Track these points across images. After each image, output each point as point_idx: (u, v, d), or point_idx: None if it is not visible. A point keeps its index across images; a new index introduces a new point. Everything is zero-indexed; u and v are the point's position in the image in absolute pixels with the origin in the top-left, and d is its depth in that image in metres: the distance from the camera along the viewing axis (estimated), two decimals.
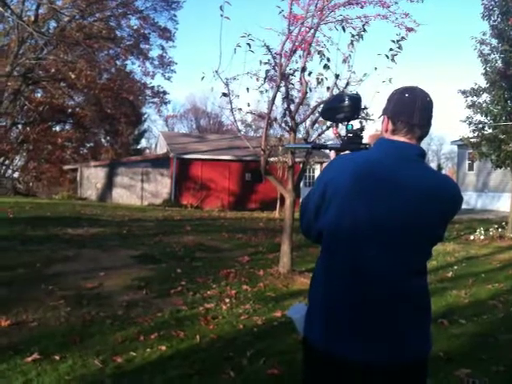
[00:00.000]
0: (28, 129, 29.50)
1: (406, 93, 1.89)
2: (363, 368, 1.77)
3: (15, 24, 20.24)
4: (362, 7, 7.56)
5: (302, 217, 2.03)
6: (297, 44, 7.44)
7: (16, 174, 32.53)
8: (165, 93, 31.02)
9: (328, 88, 7.60)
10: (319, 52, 7.44)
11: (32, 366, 3.80)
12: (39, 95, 29.70)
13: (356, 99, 2.16)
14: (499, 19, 13.23)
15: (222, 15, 6.94)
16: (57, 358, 3.96)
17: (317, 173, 24.63)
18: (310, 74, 7.63)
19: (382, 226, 1.77)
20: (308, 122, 8.28)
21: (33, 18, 22.25)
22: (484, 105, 13.77)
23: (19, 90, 24.56)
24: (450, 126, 73.20)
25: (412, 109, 1.85)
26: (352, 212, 1.79)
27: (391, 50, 7.18)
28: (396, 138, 1.88)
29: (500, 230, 13.22)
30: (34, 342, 4.31)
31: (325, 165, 2.00)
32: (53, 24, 25.36)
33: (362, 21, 7.38)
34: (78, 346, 4.29)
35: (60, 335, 4.55)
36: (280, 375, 3.82)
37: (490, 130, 13.79)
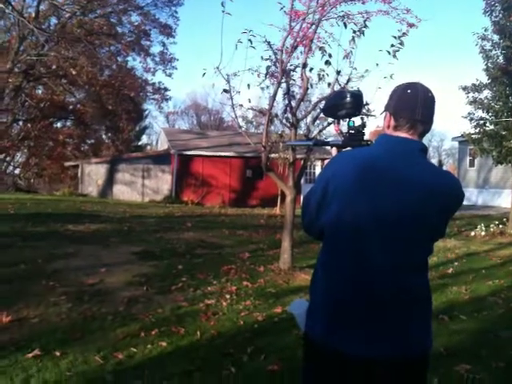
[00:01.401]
0: (29, 125, 29.45)
1: (408, 89, 1.88)
2: (365, 363, 1.78)
3: (16, 21, 20.23)
4: (363, 3, 7.57)
5: (303, 213, 2.03)
6: (298, 40, 7.43)
7: (17, 171, 32.53)
8: (166, 89, 31.06)
9: (329, 84, 7.59)
10: (320, 48, 7.42)
11: (33, 361, 3.81)
12: (40, 92, 29.70)
13: (358, 96, 2.15)
14: (501, 15, 13.21)
15: (223, 11, 6.92)
16: (58, 354, 3.96)
17: (318, 169, 24.61)
18: (311, 70, 7.63)
19: (384, 221, 1.77)
20: (309, 119, 8.29)
21: (34, 15, 22.21)
22: (485, 101, 13.76)
23: (20, 86, 24.54)
24: (451, 122, 73.20)
25: (414, 105, 1.84)
26: (354, 208, 1.79)
27: (393, 45, 7.16)
28: (398, 133, 1.88)
29: (501, 226, 13.21)
30: (34, 338, 4.31)
31: (326, 161, 2.00)
32: (54, 20, 25.37)
33: (363, 16, 7.36)
34: (78, 342, 4.29)
35: (61, 331, 4.55)
36: (280, 371, 3.82)
37: (492, 126, 13.77)
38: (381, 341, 1.76)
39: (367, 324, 1.77)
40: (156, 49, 36.29)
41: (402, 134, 1.87)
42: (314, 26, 7.39)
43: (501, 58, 13.43)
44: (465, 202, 1.98)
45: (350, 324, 1.78)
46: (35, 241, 8.97)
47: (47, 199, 19.98)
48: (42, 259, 7.43)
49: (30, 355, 3.89)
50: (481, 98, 13.90)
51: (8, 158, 30.75)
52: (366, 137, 2.19)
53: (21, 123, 30.17)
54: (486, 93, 13.89)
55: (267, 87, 7.90)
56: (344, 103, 2.13)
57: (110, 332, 4.60)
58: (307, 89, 7.63)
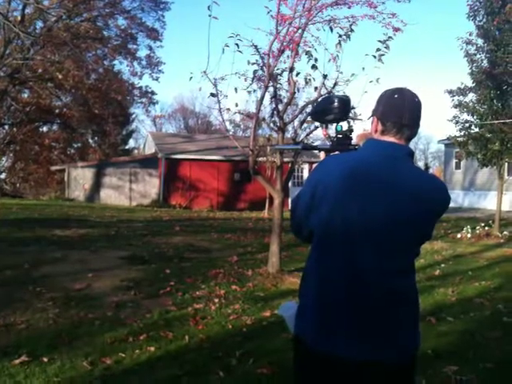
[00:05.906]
0: (15, 129, 29.24)
1: (394, 94, 1.91)
2: (355, 365, 1.79)
3: (1, 24, 20.05)
4: (349, 7, 7.59)
5: (292, 216, 2.04)
6: (285, 44, 7.45)
7: (3, 175, 32.27)
8: (153, 93, 30.92)
9: (316, 88, 7.63)
10: (307, 52, 7.46)
11: (20, 368, 3.77)
12: (26, 95, 29.46)
13: (345, 101, 2.18)
14: (484, 19, 13.34)
15: (210, 15, 6.92)
16: (45, 359, 3.93)
17: (305, 172, 24.66)
18: (297, 74, 7.66)
19: (371, 224, 1.79)
20: (296, 122, 8.29)
21: (19, 18, 22.03)
22: (470, 104, 13.88)
23: (6, 90, 24.30)
24: (437, 126, 73.88)
25: (401, 109, 1.87)
26: (342, 211, 1.81)
27: (378, 50, 7.21)
28: (385, 138, 1.90)
29: (487, 228, 13.31)
30: (22, 344, 4.28)
31: (314, 165, 2.02)
32: (39, 24, 25.16)
33: (349, 21, 7.40)
34: (66, 347, 4.26)
35: (48, 337, 4.52)
36: (269, 374, 3.82)
37: (477, 129, 13.90)
38: (369, 343, 1.78)
39: (356, 326, 1.78)
40: (143, 52, 36.09)
41: (389, 139, 1.89)
42: (300, 30, 7.42)
43: (485, 61, 13.54)
44: (451, 204, 2.01)
45: (339, 326, 1.80)
46: (22, 246, 8.89)
47: (33, 204, 19.84)
48: (29, 265, 7.37)
49: (17, 361, 3.86)
50: (466, 102, 14.01)
51: None
52: (354, 141, 2.21)
53: (6, 127, 29.91)
54: (471, 96, 14.01)
55: (254, 91, 7.91)
56: (332, 108, 2.16)
57: (98, 337, 4.57)
58: (294, 93, 7.66)
